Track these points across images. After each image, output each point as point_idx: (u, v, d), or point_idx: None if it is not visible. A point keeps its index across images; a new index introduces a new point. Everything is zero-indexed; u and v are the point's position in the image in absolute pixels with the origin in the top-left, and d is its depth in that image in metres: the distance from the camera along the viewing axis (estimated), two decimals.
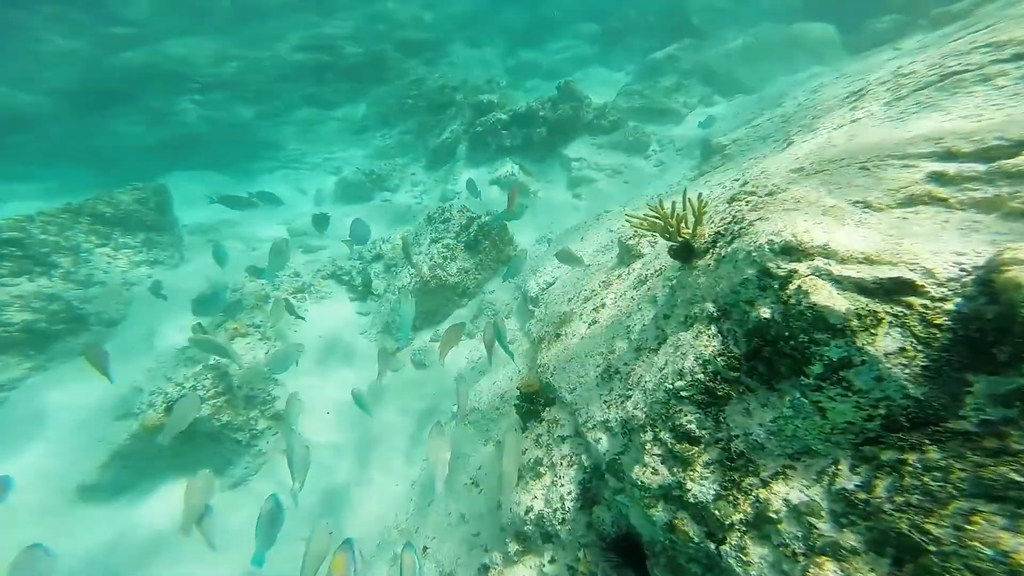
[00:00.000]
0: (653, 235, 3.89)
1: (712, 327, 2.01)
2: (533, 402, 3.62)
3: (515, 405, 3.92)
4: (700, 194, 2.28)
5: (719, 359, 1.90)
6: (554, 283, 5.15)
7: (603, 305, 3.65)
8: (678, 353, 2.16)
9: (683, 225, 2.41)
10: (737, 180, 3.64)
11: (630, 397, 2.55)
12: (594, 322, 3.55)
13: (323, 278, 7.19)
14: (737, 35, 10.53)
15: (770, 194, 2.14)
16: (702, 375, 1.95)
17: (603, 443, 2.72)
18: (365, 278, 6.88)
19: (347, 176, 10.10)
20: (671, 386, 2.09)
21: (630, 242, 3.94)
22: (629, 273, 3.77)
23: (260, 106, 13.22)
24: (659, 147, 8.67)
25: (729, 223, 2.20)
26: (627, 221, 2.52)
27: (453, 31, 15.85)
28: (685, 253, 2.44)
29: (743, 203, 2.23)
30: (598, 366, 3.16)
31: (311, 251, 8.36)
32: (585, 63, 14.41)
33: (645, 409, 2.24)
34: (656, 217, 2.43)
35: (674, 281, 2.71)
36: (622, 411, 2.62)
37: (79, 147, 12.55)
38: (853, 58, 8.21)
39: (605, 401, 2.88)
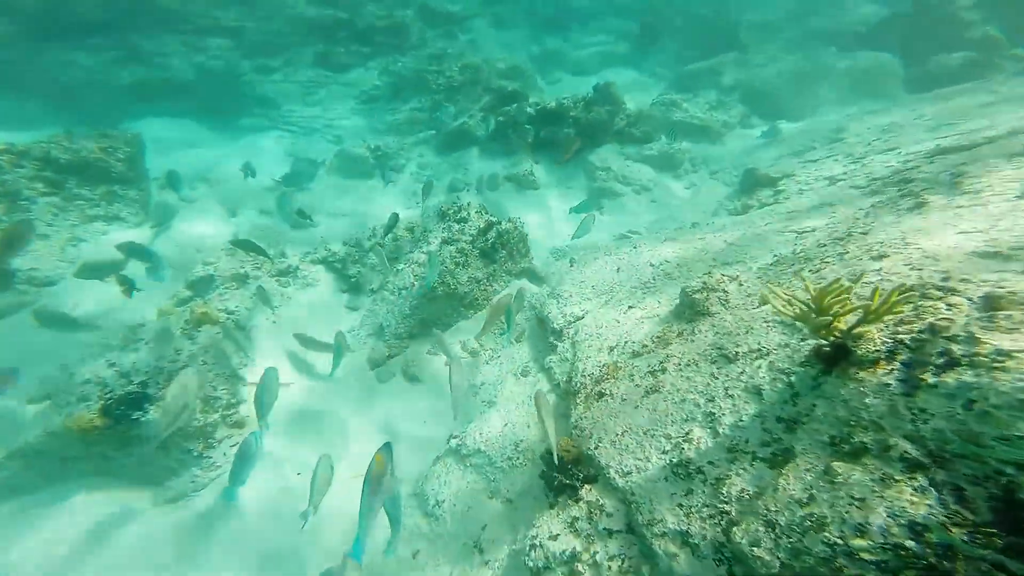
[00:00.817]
0: (724, 294, 3.31)
1: (918, 477, 1.43)
2: (568, 473, 3.00)
3: (542, 469, 3.30)
4: (903, 286, 1.67)
5: (953, 530, 1.31)
6: (584, 317, 4.51)
7: (663, 369, 3.04)
8: (842, 494, 1.57)
9: (839, 320, 1.80)
10: (841, 238, 3.07)
11: (734, 521, 1.95)
12: (653, 390, 2.95)
13: (312, 262, 6.34)
14: (782, 55, 10.07)
15: (1000, 302, 1.55)
16: (912, 543, 1.37)
17: (681, 562, 2.12)
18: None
19: (348, 148, 9.15)
20: (840, 542, 1.50)
21: (696, 296, 3.34)
22: (695, 334, 3.17)
23: (261, 59, 11.99)
24: (692, 166, 8.12)
25: (925, 335, 1.60)
26: (767, 298, 1.90)
27: (480, 6, 14.84)
28: (835, 356, 1.85)
29: (942, 304, 1.63)
30: (664, 452, 2.56)
31: (301, 227, 7.44)
32: (614, 62, 13.71)
33: (781, 556, 1.64)
34: (804, 303, 1.81)
35: (795, 378, 2.12)
36: (718, 532, 2.03)
37: (32, 76, 11.01)
38: (919, 97, 7.80)
39: (680, 505, 2.28)
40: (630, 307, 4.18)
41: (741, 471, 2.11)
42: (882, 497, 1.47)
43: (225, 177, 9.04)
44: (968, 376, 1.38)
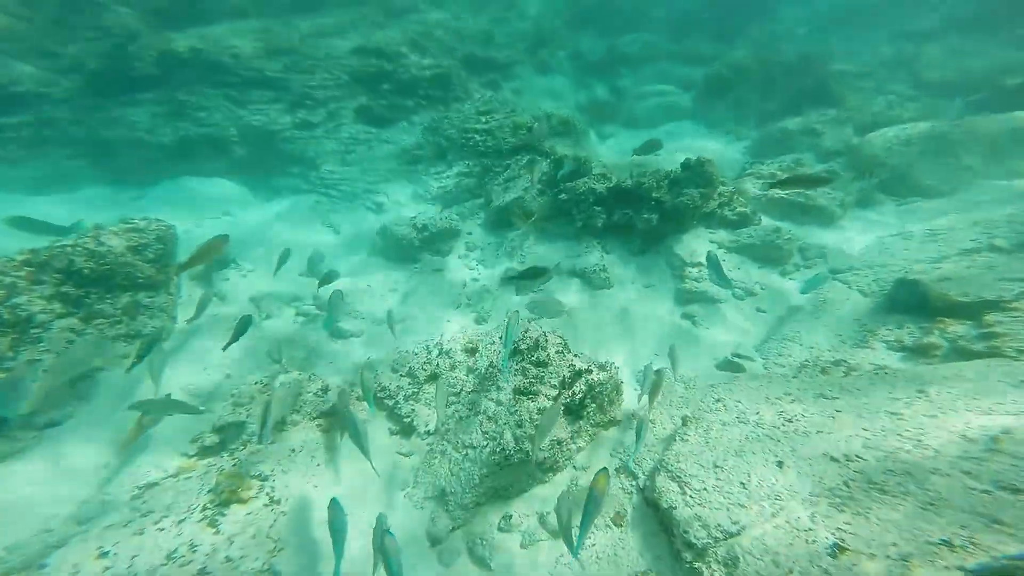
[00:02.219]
0: None
1: None
2: None
3: None
4: None
5: None
6: (740, 534, 3.29)
7: None
8: None
9: None
10: None
11: None
12: None
13: (359, 398, 5.36)
14: (896, 111, 8.71)
15: None
16: None
17: None
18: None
19: (392, 227, 8.32)
20: None
21: None
22: None
23: (302, 114, 11.55)
24: (803, 260, 6.84)
25: None
26: None
27: (523, 52, 14.16)
28: None
29: None
30: None
31: (342, 337, 6.53)
32: (676, 115, 12.65)
33: None
34: None
35: None
36: None
37: (82, 135, 10.91)
38: None
39: None
40: (839, 548, 2.92)
41: None
42: None
43: (262, 254, 8.36)
44: None
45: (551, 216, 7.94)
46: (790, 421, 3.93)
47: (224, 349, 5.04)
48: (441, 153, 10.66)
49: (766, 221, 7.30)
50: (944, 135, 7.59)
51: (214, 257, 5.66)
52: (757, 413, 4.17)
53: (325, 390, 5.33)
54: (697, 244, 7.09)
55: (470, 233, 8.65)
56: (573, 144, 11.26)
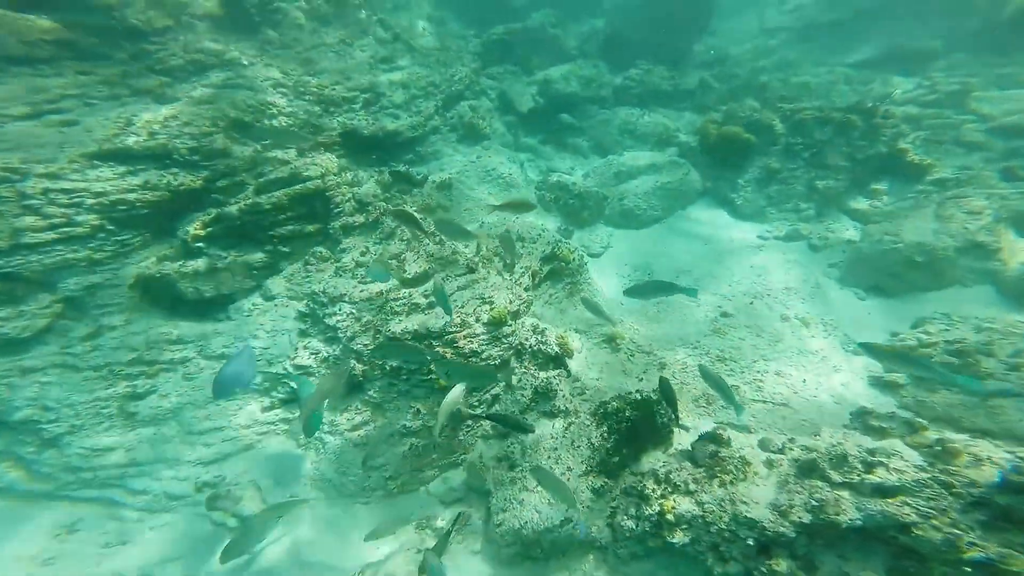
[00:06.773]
0: None
1: None
2: None
3: None
4: None
5: None
6: None
7: None
8: None
9: None
10: None
11: None
12: None
13: None
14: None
15: None
16: None
17: None
18: None
19: None
20: None
21: None
22: None
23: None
24: None
25: None
26: None
27: (435, 114, 9.62)
28: None
29: None
30: None
31: None
32: (682, 198, 9.25)
33: None
34: None
35: None
36: None
37: None
38: None
39: None
40: None
41: None
42: None
43: None
44: None
45: None
46: None
47: None
48: (355, 381, 5.73)
49: None
50: None
51: None
52: None
53: None
54: None
55: None
56: (570, 290, 7.25)
